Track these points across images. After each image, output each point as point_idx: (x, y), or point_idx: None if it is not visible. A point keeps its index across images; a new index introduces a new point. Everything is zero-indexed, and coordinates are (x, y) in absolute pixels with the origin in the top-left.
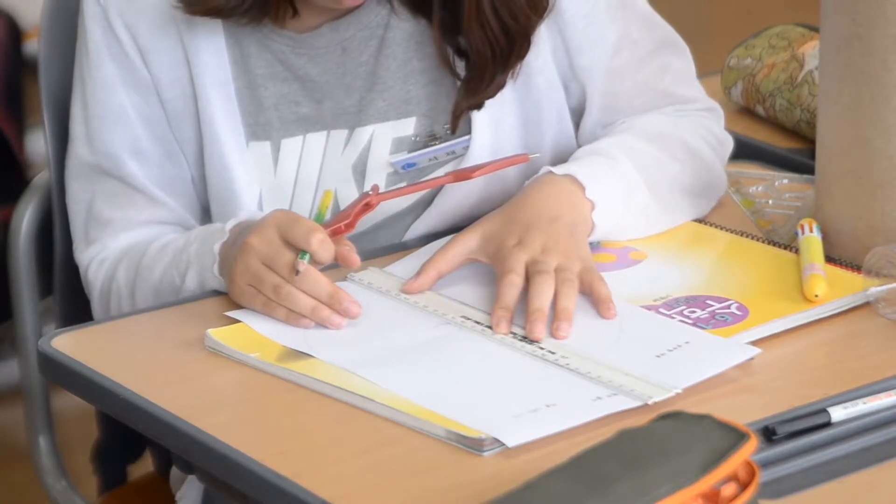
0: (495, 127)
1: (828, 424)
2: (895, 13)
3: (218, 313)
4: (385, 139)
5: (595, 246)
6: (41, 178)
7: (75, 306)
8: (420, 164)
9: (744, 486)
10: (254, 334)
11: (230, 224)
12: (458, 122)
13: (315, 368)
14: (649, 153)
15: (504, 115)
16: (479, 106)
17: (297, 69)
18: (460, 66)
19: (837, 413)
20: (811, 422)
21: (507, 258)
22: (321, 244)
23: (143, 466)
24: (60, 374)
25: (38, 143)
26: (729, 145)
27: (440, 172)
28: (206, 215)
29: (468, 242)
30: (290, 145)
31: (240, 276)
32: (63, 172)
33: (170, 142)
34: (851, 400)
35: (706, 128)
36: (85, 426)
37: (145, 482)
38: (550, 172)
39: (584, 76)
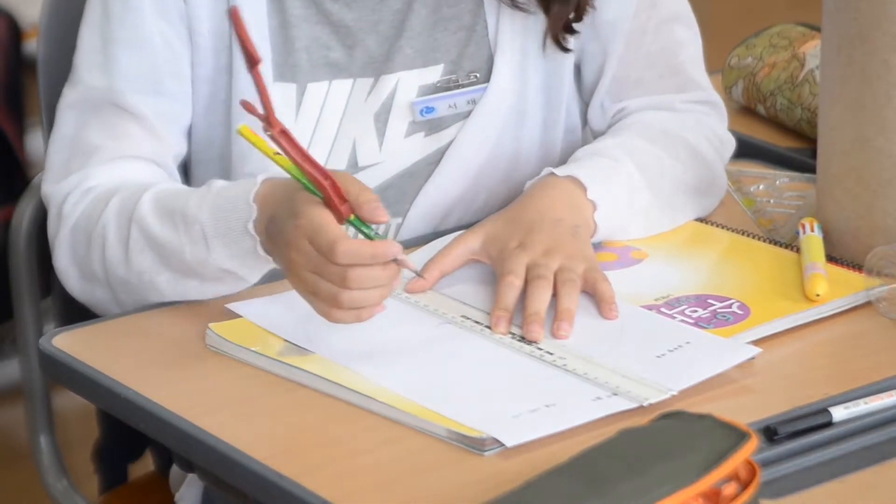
0: (520, 75)
1: (829, 424)
2: None
3: (218, 312)
4: (410, 87)
5: (596, 245)
6: (41, 177)
7: (75, 305)
8: (439, 112)
9: (744, 486)
10: (255, 328)
11: (252, 194)
12: (546, 43)
13: (315, 364)
14: (651, 153)
15: (527, 73)
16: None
17: (332, 14)
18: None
19: (839, 413)
20: (812, 421)
21: (507, 260)
22: (345, 255)
23: (144, 465)
24: (61, 372)
25: (38, 143)
26: (731, 145)
27: (456, 127)
28: (182, 172)
29: (471, 243)
30: (315, 90)
31: (297, 286)
32: None
33: (184, 81)
34: (853, 400)
35: (709, 127)
36: (86, 425)
37: (146, 481)
38: (552, 174)
39: (607, 32)
